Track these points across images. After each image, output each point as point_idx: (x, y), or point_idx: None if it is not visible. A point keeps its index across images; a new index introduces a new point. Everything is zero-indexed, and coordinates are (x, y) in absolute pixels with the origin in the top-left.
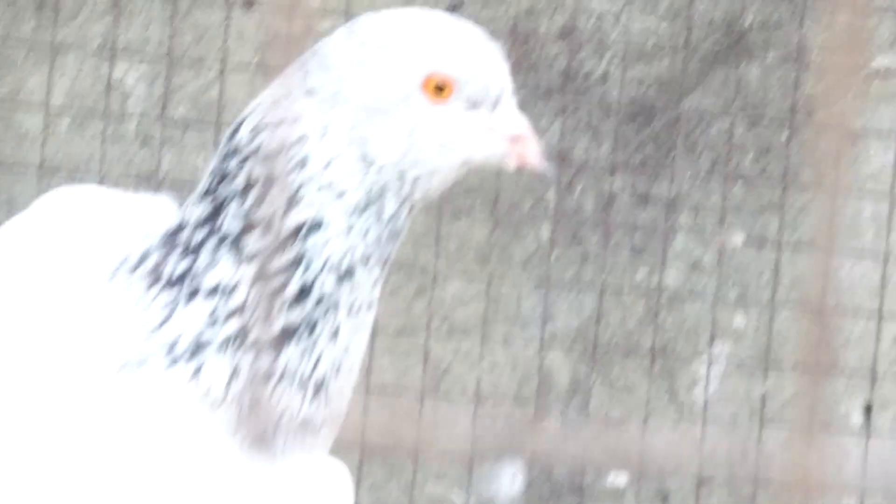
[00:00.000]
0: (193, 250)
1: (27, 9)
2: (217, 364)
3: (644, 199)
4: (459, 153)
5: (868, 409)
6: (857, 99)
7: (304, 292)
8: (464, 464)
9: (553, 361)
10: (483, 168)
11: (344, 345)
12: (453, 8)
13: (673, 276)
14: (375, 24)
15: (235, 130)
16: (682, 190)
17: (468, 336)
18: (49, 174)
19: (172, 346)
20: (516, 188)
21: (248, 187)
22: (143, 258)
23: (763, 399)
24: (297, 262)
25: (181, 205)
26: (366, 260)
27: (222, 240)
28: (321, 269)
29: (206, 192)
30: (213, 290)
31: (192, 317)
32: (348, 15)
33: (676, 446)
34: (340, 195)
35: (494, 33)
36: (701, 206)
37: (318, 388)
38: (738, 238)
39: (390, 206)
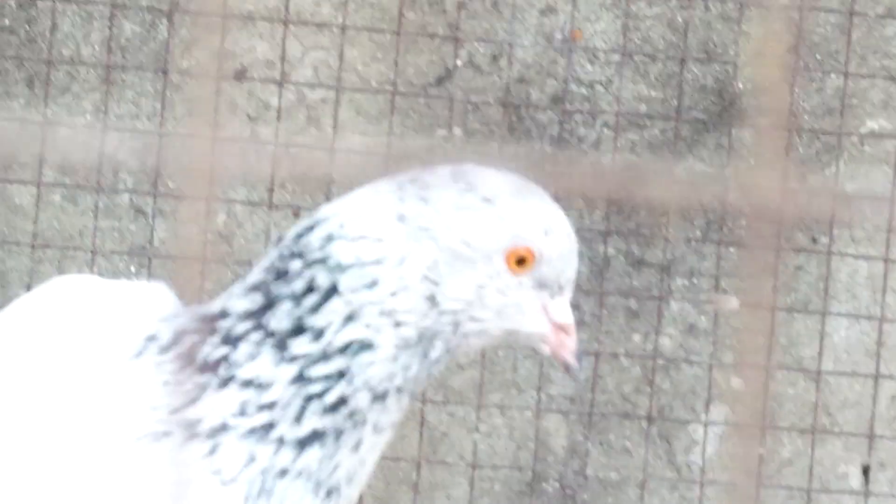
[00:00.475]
0: (234, 340)
1: (18, 83)
2: (236, 447)
3: (638, 264)
4: (512, 323)
5: (866, 471)
6: (849, 163)
7: (339, 403)
8: None
9: (550, 426)
10: (520, 343)
11: (362, 457)
12: (440, 80)
13: (668, 340)
14: (485, 176)
15: (304, 233)
16: (676, 255)
17: (464, 402)
18: (41, 248)
19: (195, 424)
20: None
21: (307, 292)
22: (176, 339)
23: (761, 461)
24: (340, 374)
25: (174, 292)
26: (400, 389)
27: (267, 336)
28: (360, 387)
29: (257, 287)
30: (249, 383)
31: (222, 403)
32: (340, 85)
33: None
34: (397, 325)
35: (486, 102)
36: (695, 271)
37: (330, 493)
38: (732, 302)
39: (437, 350)
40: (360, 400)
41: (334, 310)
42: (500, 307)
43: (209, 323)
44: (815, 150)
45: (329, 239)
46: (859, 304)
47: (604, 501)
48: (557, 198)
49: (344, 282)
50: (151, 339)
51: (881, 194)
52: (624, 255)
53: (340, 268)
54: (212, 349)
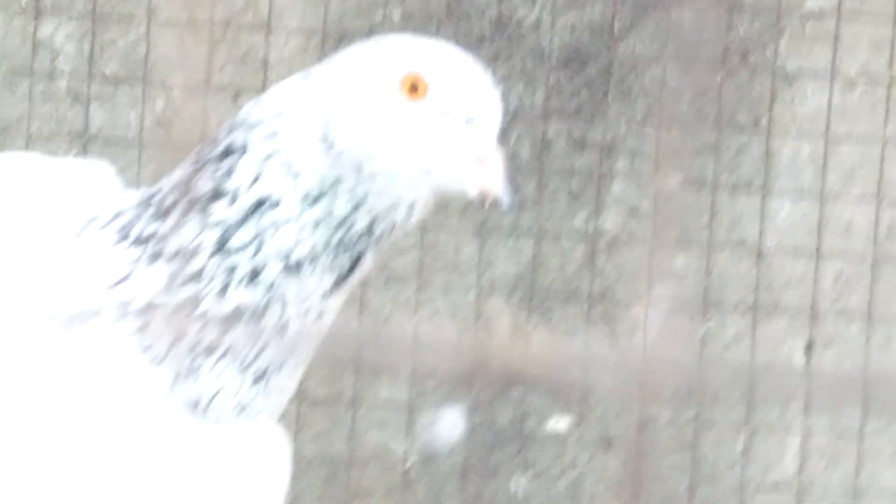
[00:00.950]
0: (164, 213)
1: None
2: (165, 325)
3: (580, 145)
4: (421, 156)
5: (809, 348)
6: (790, 41)
7: (255, 274)
8: (405, 412)
9: (493, 308)
10: (448, 193)
11: (291, 345)
12: None
13: (611, 221)
14: (377, 38)
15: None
16: (617, 135)
17: (406, 285)
18: None
19: (126, 304)
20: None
21: (226, 153)
22: (116, 216)
23: (703, 340)
24: (255, 241)
25: (118, 169)
26: (314, 259)
27: (192, 203)
28: (272, 255)
29: (195, 161)
30: (175, 254)
31: (152, 278)
32: None
33: (619, 389)
34: (296, 176)
35: None
36: (637, 151)
37: (259, 378)
38: (674, 181)
39: (342, 204)
40: (273, 271)
41: (245, 169)
42: (403, 138)
43: (147, 201)
44: (755, 29)
45: (252, 104)
46: (802, 183)
47: (549, 382)
48: (497, 79)
49: (252, 138)
50: (93, 219)
51: (823, 73)
52: (565, 136)
53: (251, 126)
54: (145, 224)
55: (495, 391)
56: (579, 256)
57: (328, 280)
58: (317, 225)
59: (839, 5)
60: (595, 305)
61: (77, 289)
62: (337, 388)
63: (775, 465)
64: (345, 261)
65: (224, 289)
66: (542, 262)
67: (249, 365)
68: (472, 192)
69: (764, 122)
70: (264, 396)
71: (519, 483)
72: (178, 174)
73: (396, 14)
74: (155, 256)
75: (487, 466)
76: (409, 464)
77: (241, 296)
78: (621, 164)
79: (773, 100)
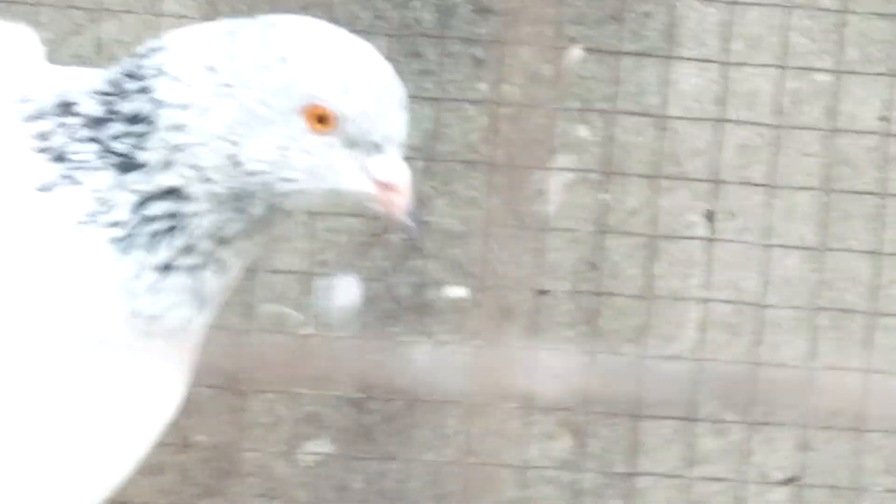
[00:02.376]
0: (80, 141)
1: None
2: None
3: (484, 11)
4: (326, 183)
5: (709, 217)
6: None
7: (188, 249)
8: (301, 281)
9: None
10: (351, 204)
11: (229, 277)
12: None
13: (514, 88)
14: (291, 32)
15: (147, 54)
16: (521, 1)
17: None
18: None
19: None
20: (354, 1)
21: (134, 118)
22: (38, 116)
23: (607, 209)
24: (171, 216)
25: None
26: (246, 232)
27: (106, 152)
28: (198, 235)
29: (105, 93)
30: (95, 193)
31: (73, 203)
32: None
33: (519, 259)
34: (206, 181)
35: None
36: (541, 17)
37: (203, 304)
38: (577, 50)
39: (258, 208)
40: (204, 245)
41: (155, 149)
42: (309, 167)
43: (66, 107)
44: None
45: (159, 71)
46: (707, 51)
47: (449, 251)
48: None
49: (161, 118)
50: (24, 100)
51: None
52: (469, 1)
53: (158, 103)
54: (63, 141)
55: (393, 261)
56: (482, 124)
57: (253, 241)
58: (232, 220)
59: None
60: (497, 172)
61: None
62: None
63: (676, 336)
64: (263, 226)
65: (151, 243)
66: (444, 128)
67: (197, 292)
68: (378, 213)
69: None
70: (202, 317)
71: (421, 351)
72: (92, 105)
73: None
74: (74, 182)
75: (387, 335)
76: (306, 332)
77: (168, 250)
78: (525, 30)
79: None
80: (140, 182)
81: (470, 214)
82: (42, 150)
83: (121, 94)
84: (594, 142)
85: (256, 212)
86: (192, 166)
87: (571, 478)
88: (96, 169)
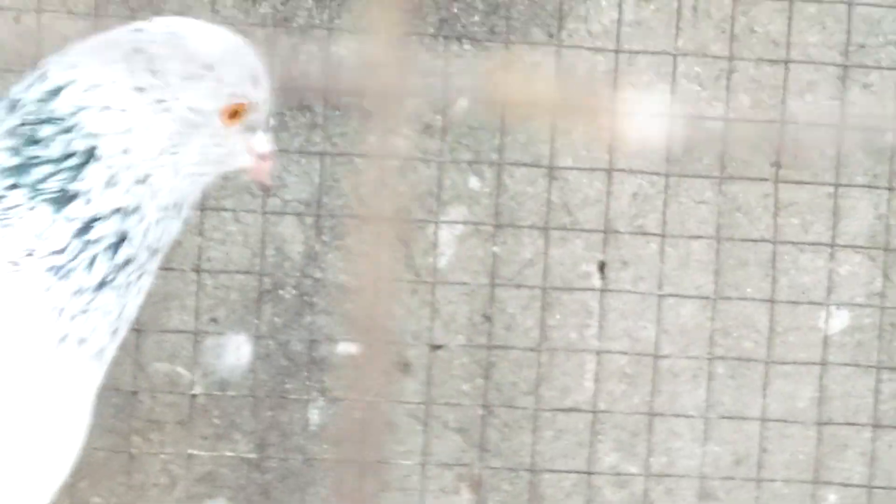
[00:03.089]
0: (4, 188)
1: None
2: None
3: (370, 64)
4: (227, 168)
5: (602, 268)
6: None
7: (127, 262)
8: (192, 340)
9: (285, 232)
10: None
11: (138, 302)
12: None
13: (404, 140)
14: (200, 39)
15: (47, 98)
16: (408, 52)
17: (195, 208)
18: None
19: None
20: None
21: (65, 157)
22: None
23: (499, 261)
24: (115, 233)
25: None
26: (168, 242)
27: (36, 194)
28: (140, 247)
29: (11, 147)
30: (31, 231)
31: (10, 241)
32: None
33: (413, 313)
34: (154, 194)
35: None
36: (429, 70)
37: (116, 333)
38: (467, 99)
39: (187, 208)
40: (142, 257)
41: (95, 175)
42: (217, 158)
43: None
44: None
45: (78, 108)
46: (597, 101)
47: (341, 306)
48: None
49: (102, 148)
50: None
51: None
52: (357, 54)
53: (94, 136)
54: None
55: (285, 318)
56: (372, 177)
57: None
58: (171, 222)
59: None
60: (389, 226)
61: None
62: None
63: (572, 388)
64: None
65: (91, 264)
66: (334, 182)
67: (111, 323)
68: (249, 177)
69: (557, 37)
70: (115, 344)
71: (313, 409)
72: (2, 158)
73: None
74: (6, 225)
75: (280, 393)
76: (197, 391)
77: (106, 267)
78: (413, 82)
79: (565, 14)
80: (79, 210)
81: (362, 269)
82: None
83: (35, 141)
84: (485, 193)
85: (186, 212)
86: (140, 181)
87: None
88: (30, 209)
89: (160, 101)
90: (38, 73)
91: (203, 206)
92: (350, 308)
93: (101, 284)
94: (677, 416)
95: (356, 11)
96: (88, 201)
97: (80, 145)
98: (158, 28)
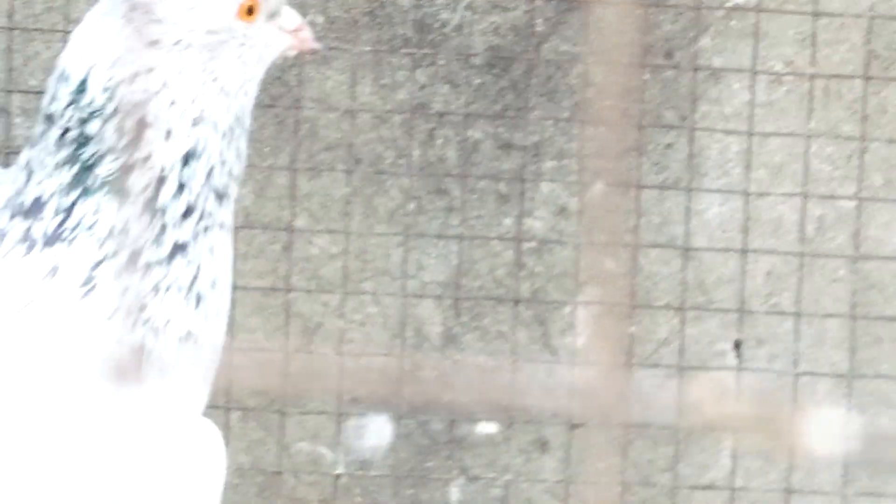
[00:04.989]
0: (65, 211)
1: None
2: (109, 284)
3: (506, 147)
4: (269, 59)
5: (738, 346)
6: (715, 37)
7: (188, 211)
8: (334, 420)
9: (423, 313)
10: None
11: (219, 260)
12: None
13: (539, 223)
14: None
15: (77, 97)
16: (543, 136)
17: (336, 292)
18: None
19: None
20: (378, 141)
21: (118, 140)
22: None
23: (634, 340)
24: (180, 188)
25: None
26: (235, 177)
27: (88, 191)
28: (202, 191)
29: (66, 161)
30: (99, 230)
31: (84, 253)
32: None
33: (551, 392)
34: (214, 126)
35: None
36: (563, 152)
37: (199, 300)
38: (601, 181)
39: (244, 122)
40: (208, 203)
41: (151, 139)
42: (255, 57)
43: (30, 212)
44: (679, 27)
45: (109, 90)
46: (729, 181)
47: (480, 386)
48: (420, 84)
49: (149, 113)
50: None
51: (747, 68)
52: (491, 138)
53: (139, 105)
54: (44, 227)
55: (426, 398)
56: (508, 259)
57: (236, 188)
58: (232, 150)
59: (760, 1)
60: (526, 307)
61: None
62: (266, 398)
63: (710, 465)
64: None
65: (160, 234)
66: (471, 265)
67: (190, 289)
68: (292, 54)
69: (690, 119)
70: (206, 321)
71: (453, 488)
72: (60, 179)
73: (320, 19)
74: (72, 241)
75: (420, 472)
76: (339, 471)
77: (177, 235)
78: (548, 165)
79: (698, 97)
80: (140, 178)
81: (500, 349)
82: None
83: (86, 141)
84: (620, 274)
85: (243, 127)
86: (197, 121)
87: None
88: (93, 215)
89: (177, 42)
90: (56, 76)
91: (345, 290)
92: (489, 387)
93: (171, 254)
94: (814, 492)
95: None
96: (145, 167)
97: (129, 122)
98: None
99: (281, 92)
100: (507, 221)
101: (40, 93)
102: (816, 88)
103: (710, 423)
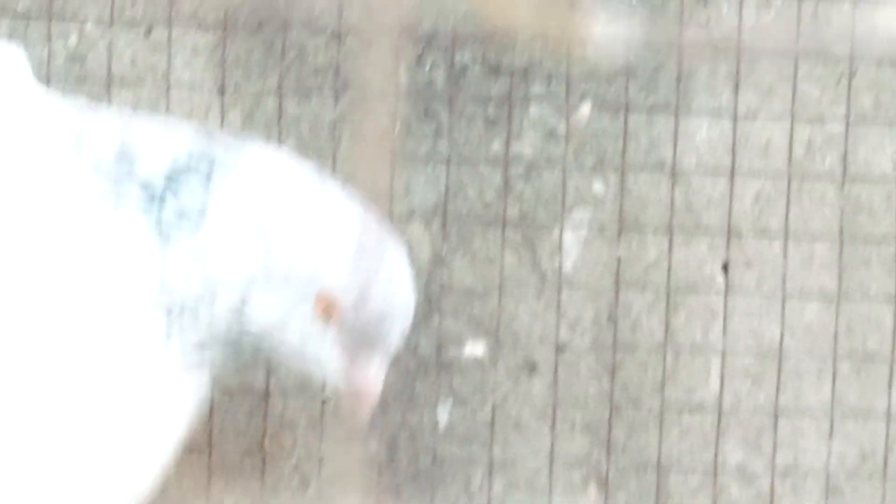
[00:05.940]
0: (139, 199)
1: None
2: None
3: (495, 70)
4: (305, 366)
5: (726, 268)
6: None
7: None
8: None
9: (412, 236)
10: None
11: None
12: None
13: (528, 146)
14: (333, 217)
15: (216, 165)
16: (532, 59)
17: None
18: None
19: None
20: (366, 65)
21: (183, 207)
22: (97, 160)
23: (623, 263)
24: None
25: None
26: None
27: (158, 224)
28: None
29: (167, 174)
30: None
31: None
32: None
33: (540, 314)
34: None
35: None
36: (552, 75)
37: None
38: (586, 106)
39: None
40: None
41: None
42: (300, 352)
43: (124, 160)
44: None
45: (219, 190)
46: (719, 102)
47: (468, 310)
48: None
49: (205, 223)
50: (78, 139)
51: None
52: (479, 62)
53: (203, 212)
54: (124, 191)
55: (413, 321)
56: (496, 182)
57: None
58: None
59: None
60: (513, 231)
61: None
62: None
63: (697, 387)
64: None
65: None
66: (459, 189)
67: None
68: (343, 404)
69: (678, 42)
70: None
71: (441, 411)
72: (155, 149)
73: None
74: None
75: (408, 395)
76: (327, 393)
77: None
78: (537, 88)
79: (687, 20)
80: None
81: (489, 273)
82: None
83: (181, 179)
84: (609, 196)
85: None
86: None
87: None
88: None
89: (265, 237)
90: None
91: None
92: (476, 311)
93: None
94: (802, 413)
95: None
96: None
97: (196, 204)
98: (329, 200)
99: (270, 15)
100: (496, 145)
101: (28, 17)
102: (805, 12)
103: (501, 25)
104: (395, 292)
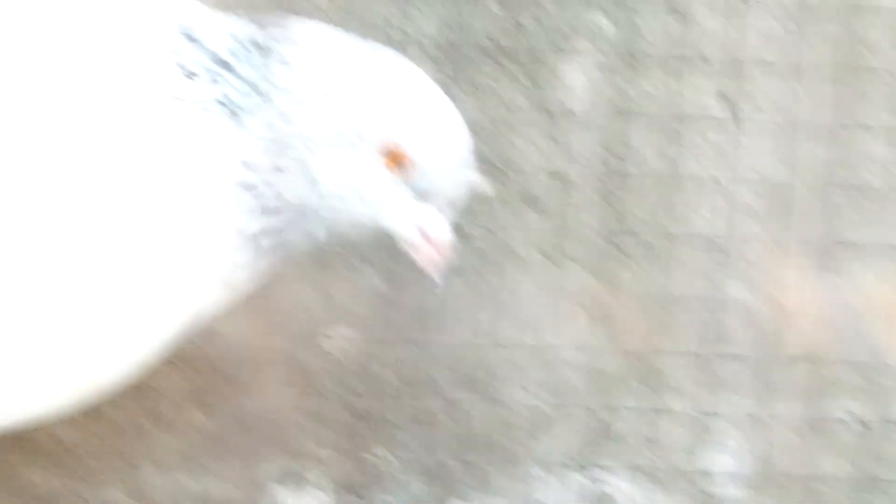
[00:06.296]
0: (207, 70)
1: None
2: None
3: None
4: (377, 216)
5: (730, 101)
6: None
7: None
8: None
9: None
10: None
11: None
12: None
13: None
14: (399, 76)
15: (280, 40)
16: None
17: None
18: None
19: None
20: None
21: (247, 83)
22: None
23: (628, 96)
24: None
25: None
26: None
27: (224, 96)
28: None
29: (230, 48)
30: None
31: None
32: None
33: (544, 148)
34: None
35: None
36: None
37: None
38: None
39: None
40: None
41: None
42: (369, 200)
43: (191, 41)
44: None
45: (283, 61)
46: None
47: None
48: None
49: (273, 101)
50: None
51: None
52: None
53: (275, 86)
54: (192, 66)
55: None
56: (502, 15)
57: None
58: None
59: None
60: (517, 64)
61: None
62: None
63: (692, 217)
64: None
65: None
66: (464, 21)
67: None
68: (414, 258)
69: None
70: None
71: None
72: (217, 28)
73: None
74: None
75: None
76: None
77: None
78: None
79: None
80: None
81: (494, 106)
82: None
83: (244, 55)
84: (613, 30)
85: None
86: (294, 161)
87: (591, 360)
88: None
89: (294, 111)
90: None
91: None
92: (479, 143)
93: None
94: (802, 242)
95: None
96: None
97: (262, 85)
98: (388, 60)
99: None
100: None
101: None
102: None
103: None
104: (454, 141)
